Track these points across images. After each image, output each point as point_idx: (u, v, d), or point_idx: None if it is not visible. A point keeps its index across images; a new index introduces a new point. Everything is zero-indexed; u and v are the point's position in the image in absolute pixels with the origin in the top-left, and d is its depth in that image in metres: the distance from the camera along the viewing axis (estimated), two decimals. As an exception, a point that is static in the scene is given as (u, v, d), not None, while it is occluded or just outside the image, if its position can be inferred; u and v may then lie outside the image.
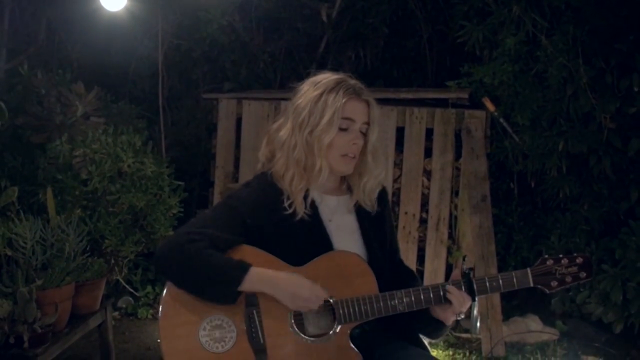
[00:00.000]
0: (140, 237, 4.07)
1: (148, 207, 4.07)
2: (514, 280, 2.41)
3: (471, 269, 2.44)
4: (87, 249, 3.76)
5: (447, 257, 5.26)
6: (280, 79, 6.51)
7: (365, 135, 2.50)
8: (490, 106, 5.19)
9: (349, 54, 6.49)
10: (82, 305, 3.74)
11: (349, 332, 2.37)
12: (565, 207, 5.24)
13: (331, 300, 2.35)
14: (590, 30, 4.61)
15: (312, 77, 2.51)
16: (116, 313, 5.31)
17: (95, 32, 5.89)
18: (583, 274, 2.43)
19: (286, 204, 2.44)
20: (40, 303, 3.29)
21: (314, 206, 2.48)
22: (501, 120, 5.25)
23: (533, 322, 5.10)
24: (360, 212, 2.56)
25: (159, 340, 2.34)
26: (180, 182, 4.30)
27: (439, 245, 5.25)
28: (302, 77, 2.56)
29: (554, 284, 2.42)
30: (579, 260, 2.43)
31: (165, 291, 2.35)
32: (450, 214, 5.28)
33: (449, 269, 5.27)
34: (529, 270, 2.42)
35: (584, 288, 4.97)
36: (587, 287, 4.94)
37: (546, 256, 2.45)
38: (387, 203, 2.68)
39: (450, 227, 5.28)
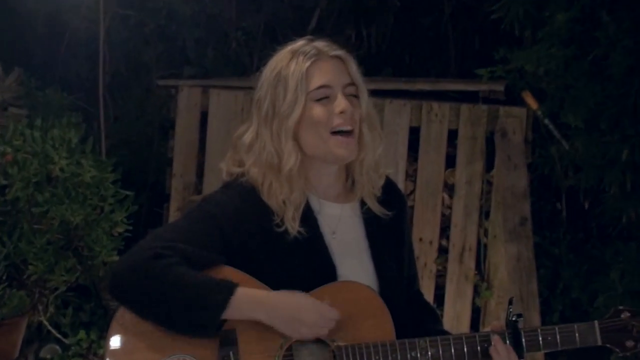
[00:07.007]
0: (75, 262, 4.05)
1: (86, 224, 4.05)
2: (576, 335, 2.38)
3: (520, 315, 2.41)
4: (4, 277, 3.74)
5: (474, 298, 5.27)
6: (257, 63, 6.50)
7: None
8: (532, 102, 5.22)
9: (348, 33, 6.52)
10: (-4, 351, 3.72)
11: (350, 384, 2.36)
12: (629, 235, 5.24)
13: (333, 345, 2.33)
14: (666, 4, 4.66)
15: (269, 61, 2.49)
16: (38, 365, 5.27)
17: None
18: None
19: (277, 221, 2.41)
20: (-59, 347, 3.27)
21: (311, 217, 2.46)
22: (546, 121, 5.28)
23: (585, 385, 5.11)
24: (370, 222, 2.53)
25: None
26: (128, 192, 4.28)
27: (464, 281, 5.26)
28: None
29: (630, 344, 2.38)
30: None
31: (114, 320, 2.30)
32: (479, 242, 5.30)
33: (475, 313, 5.28)
34: (596, 323, 2.39)
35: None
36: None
37: (620, 307, 2.42)
38: (402, 204, 2.65)
39: (478, 258, 5.30)
